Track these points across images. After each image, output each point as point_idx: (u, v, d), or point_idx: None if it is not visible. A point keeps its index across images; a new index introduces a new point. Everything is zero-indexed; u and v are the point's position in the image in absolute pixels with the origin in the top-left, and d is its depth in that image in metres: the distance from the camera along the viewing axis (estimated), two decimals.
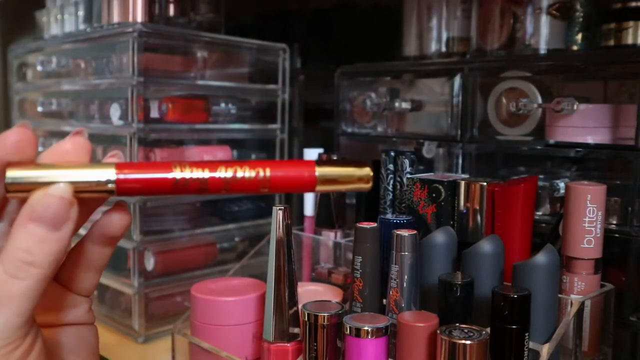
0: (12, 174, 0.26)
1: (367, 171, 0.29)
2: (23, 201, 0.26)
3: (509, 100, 0.57)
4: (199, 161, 0.28)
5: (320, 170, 0.28)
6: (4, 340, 0.26)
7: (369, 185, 0.29)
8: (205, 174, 0.27)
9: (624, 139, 0.51)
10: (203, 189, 0.28)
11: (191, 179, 0.27)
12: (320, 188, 0.28)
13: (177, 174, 0.27)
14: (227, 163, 0.28)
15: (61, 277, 0.32)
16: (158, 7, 0.73)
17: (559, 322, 0.43)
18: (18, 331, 0.26)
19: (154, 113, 0.69)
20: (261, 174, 0.28)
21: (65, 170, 0.27)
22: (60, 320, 0.32)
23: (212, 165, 0.28)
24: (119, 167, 0.27)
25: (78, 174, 0.27)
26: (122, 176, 0.27)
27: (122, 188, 0.27)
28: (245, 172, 0.28)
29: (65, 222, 0.26)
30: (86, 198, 0.27)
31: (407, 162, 0.56)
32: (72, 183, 0.27)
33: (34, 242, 0.26)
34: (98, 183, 0.27)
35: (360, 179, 0.29)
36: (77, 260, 0.32)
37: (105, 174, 0.27)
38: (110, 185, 0.27)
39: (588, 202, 0.45)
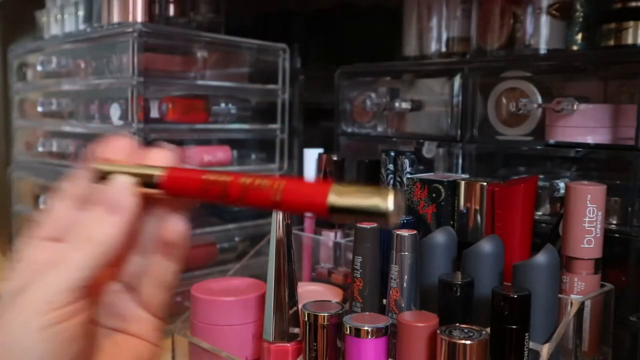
0: (98, 165, 0.32)
1: (386, 205, 0.25)
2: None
3: (509, 100, 0.57)
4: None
5: (334, 200, 0.26)
6: (65, 297, 0.29)
7: (387, 220, 0.25)
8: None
9: (624, 139, 0.51)
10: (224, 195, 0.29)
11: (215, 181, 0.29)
12: (335, 218, 0.27)
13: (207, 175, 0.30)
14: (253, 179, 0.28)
15: (135, 293, 0.34)
16: (158, 7, 0.73)
17: (559, 322, 0.43)
18: (65, 295, 0.29)
19: (154, 113, 0.69)
20: (277, 197, 0.28)
21: (127, 166, 0.32)
22: (123, 329, 0.34)
23: (237, 177, 0.29)
24: (168, 169, 0.31)
25: (135, 169, 0.31)
26: (164, 173, 0.31)
27: (169, 188, 0.31)
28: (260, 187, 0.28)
29: (120, 208, 0.30)
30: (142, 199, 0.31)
31: (407, 162, 0.56)
32: (127, 173, 0.31)
33: (94, 221, 0.30)
34: (146, 176, 0.31)
35: (378, 213, 0.25)
36: (145, 275, 0.33)
37: (154, 170, 0.31)
38: (154, 180, 0.31)
39: (588, 202, 0.45)
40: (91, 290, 0.31)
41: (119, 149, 0.33)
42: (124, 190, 0.31)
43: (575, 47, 0.57)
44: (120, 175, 0.31)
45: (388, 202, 0.25)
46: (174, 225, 0.32)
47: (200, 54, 0.75)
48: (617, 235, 0.50)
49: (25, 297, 0.29)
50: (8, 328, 0.29)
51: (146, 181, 0.31)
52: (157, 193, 0.31)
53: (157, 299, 0.34)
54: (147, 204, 0.33)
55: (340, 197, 0.26)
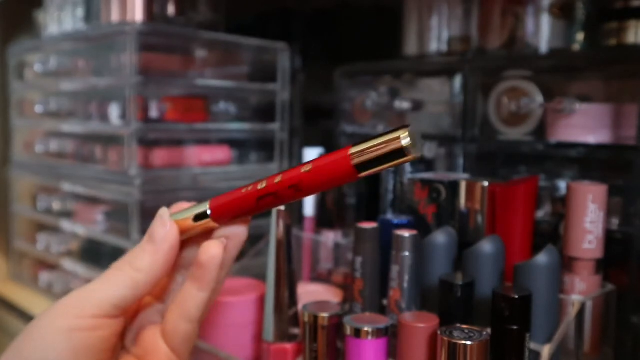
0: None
1: (401, 143, 0.26)
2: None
3: (510, 100, 0.57)
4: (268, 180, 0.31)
5: (357, 161, 0.27)
6: (95, 309, 0.31)
7: (408, 152, 0.26)
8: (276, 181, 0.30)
9: (625, 139, 0.50)
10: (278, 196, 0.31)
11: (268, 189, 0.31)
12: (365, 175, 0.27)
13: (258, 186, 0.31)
14: (283, 174, 0.30)
15: (163, 324, 0.35)
16: (157, 6, 0.73)
17: (560, 322, 0.43)
18: (94, 307, 0.32)
19: (153, 113, 0.69)
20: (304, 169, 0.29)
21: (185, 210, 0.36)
22: (142, 358, 0.35)
23: (272, 177, 0.31)
24: (211, 201, 0.34)
25: (185, 211, 0.35)
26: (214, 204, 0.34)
27: (216, 214, 0.34)
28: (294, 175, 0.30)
29: (160, 238, 0.33)
30: (193, 233, 0.35)
31: None
32: (178, 214, 0.35)
33: (138, 249, 0.34)
34: (200, 216, 0.34)
35: (399, 154, 0.26)
36: (173, 302, 0.35)
37: (202, 208, 0.34)
38: (208, 212, 0.34)
39: (589, 202, 0.45)
40: (123, 312, 0.33)
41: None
42: (160, 222, 0.34)
43: (576, 47, 0.57)
44: (162, 209, 0.35)
45: (402, 139, 0.25)
46: (208, 247, 0.33)
47: (200, 53, 0.75)
48: (618, 235, 0.49)
49: (61, 300, 0.32)
50: (39, 323, 0.31)
51: (198, 215, 0.34)
52: (208, 222, 0.34)
53: (180, 330, 0.34)
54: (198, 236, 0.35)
55: (361, 154, 0.27)
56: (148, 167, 0.69)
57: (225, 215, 0.33)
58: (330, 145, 0.73)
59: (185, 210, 0.35)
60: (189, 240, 0.35)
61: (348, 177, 0.28)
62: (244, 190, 0.32)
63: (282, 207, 0.47)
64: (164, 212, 0.34)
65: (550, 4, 0.57)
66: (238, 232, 0.35)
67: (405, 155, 0.26)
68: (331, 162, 0.28)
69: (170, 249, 0.33)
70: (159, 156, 0.69)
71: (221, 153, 0.77)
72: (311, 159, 0.29)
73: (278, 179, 0.30)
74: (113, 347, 0.33)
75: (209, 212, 0.34)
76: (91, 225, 0.75)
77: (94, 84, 0.73)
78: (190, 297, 0.33)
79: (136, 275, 0.32)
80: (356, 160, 0.27)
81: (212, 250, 0.33)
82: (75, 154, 0.78)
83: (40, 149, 0.83)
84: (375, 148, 0.26)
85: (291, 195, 0.30)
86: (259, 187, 0.31)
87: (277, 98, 0.82)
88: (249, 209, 0.32)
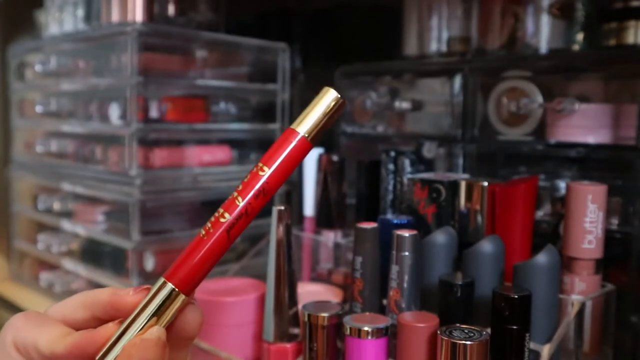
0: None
1: (335, 95, 0.29)
2: None
3: (509, 100, 0.57)
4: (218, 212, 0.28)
5: (304, 131, 0.29)
6: None
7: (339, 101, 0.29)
8: (239, 205, 0.28)
9: (624, 139, 0.51)
10: (246, 218, 0.28)
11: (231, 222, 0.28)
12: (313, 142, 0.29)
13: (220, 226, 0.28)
14: (240, 191, 0.28)
15: None
16: (157, 6, 0.73)
17: (559, 322, 0.43)
18: None
19: (154, 113, 0.69)
20: (262, 171, 0.28)
21: (134, 317, 0.28)
22: None
23: (230, 201, 0.28)
24: (169, 276, 0.28)
25: (147, 312, 0.28)
26: (176, 280, 0.28)
27: (187, 286, 0.28)
28: (254, 179, 0.28)
29: None
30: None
31: (407, 162, 0.55)
32: (152, 319, 0.27)
33: None
34: (169, 303, 0.28)
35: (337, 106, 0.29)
36: None
37: (165, 292, 0.28)
38: (180, 296, 0.28)
39: (589, 202, 0.45)
40: None
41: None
42: (161, 343, 0.27)
43: (576, 47, 0.57)
44: (155, 331, 0.27)
45: (334, 92, 0.29)
46: (194, 319, 0.30)
47: (200, 53, 0.75)
48: (618, 235, 0.50)
49: None
50: None
51: (170, 309, 0.28)
52: (185, 301, 0.29)
53: None
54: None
55: (305, 125, 0.29)
56: (148, 167, 0.69)
57: (196, 281, 0.29)
58: (330, 145, 0.73)
59: (141, 314, 0.28)
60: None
61: (305, 153, 0.29)
62: (205, 238, 0.28)
63: (282, 207, 0.47)
64: (159, 331, 0.28)
65: (550, 4, 0.57)
66: None
67: (343, 102, 0.29)
68: (286, 150, 0.28)
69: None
70: (159, 156, 0.70)
71: (221, 153, 0.77)
72: (261, 158, 0.29)
73: (240, 200, 0.28)
74: None
75: (178, 291, 0.28)
76: (91, 225, 0.75)
77: (94, 84, 0.73)
78: None
79: None
80: (306, 133, 0.29)
81: (199, 319, 0.30)
82: (75, 154, 0.78)
83: (41, 149, 0.83)
84: (316, 111, 0.30)
85: (261, 203, 0.28)
86: (223, 219, 0.28)
87: (277, 98, 0.82)
88: (223, 250, 0.29)
